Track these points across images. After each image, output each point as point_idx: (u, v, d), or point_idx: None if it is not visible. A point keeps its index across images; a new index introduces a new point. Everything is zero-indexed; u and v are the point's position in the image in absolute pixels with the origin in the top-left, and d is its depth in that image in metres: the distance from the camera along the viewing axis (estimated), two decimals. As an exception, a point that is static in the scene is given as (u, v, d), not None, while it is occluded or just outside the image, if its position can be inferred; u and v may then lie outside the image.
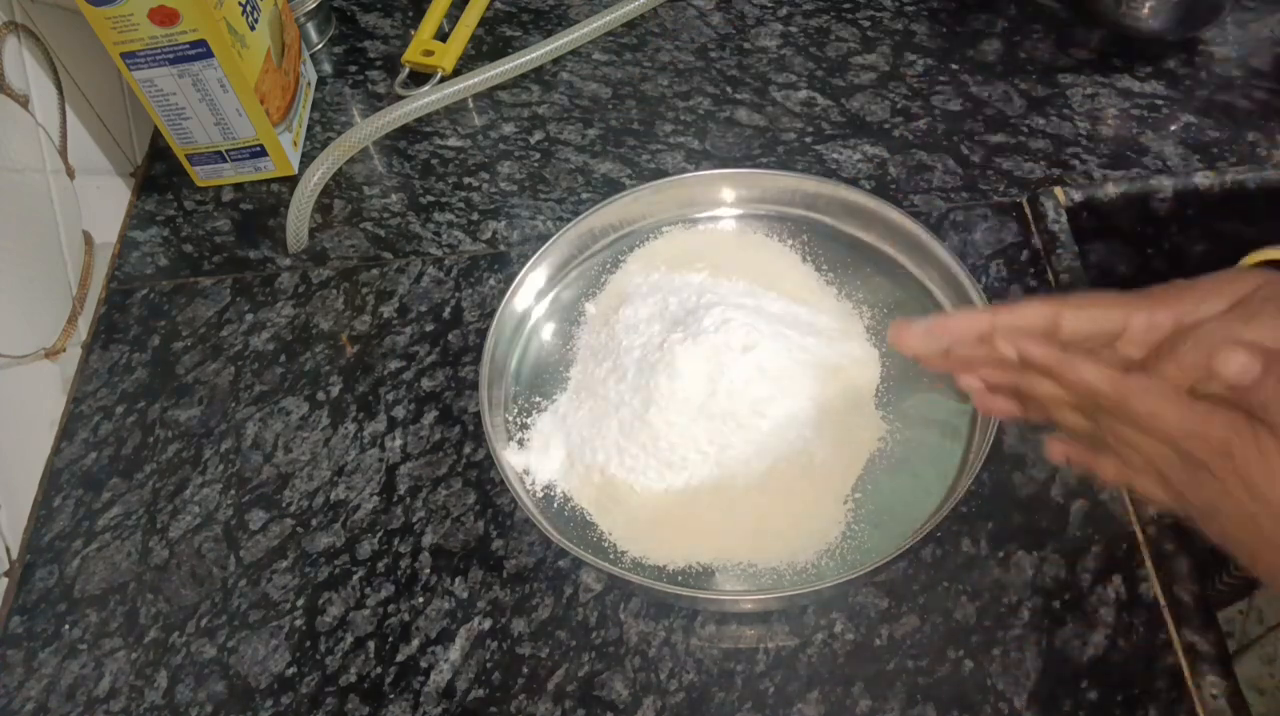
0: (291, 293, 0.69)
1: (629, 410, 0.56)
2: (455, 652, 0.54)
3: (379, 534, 0.58)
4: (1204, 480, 0.34)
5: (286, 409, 0.64)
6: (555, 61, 0.81)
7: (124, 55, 0.65)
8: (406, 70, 0.81)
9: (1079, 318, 0.39)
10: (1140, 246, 0.71)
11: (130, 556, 0.59)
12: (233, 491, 0.61)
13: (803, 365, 0.57)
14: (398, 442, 0.61)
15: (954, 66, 0.78)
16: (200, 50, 0.65)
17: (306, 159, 0.76)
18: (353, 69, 0.83)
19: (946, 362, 0.43)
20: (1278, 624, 0.60)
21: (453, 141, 0.77)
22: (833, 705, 0.50)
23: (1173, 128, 0.72)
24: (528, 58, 0.79)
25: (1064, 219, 0.67)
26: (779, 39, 0.81)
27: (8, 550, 0.58)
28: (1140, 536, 0.54)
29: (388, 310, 0.68)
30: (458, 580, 0.56)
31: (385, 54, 0.84)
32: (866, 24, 0.81)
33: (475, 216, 0.72)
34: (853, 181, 0.70)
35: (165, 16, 0.63)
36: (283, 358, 0.66)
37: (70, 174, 0.68)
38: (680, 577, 0.54)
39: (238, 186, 0.76)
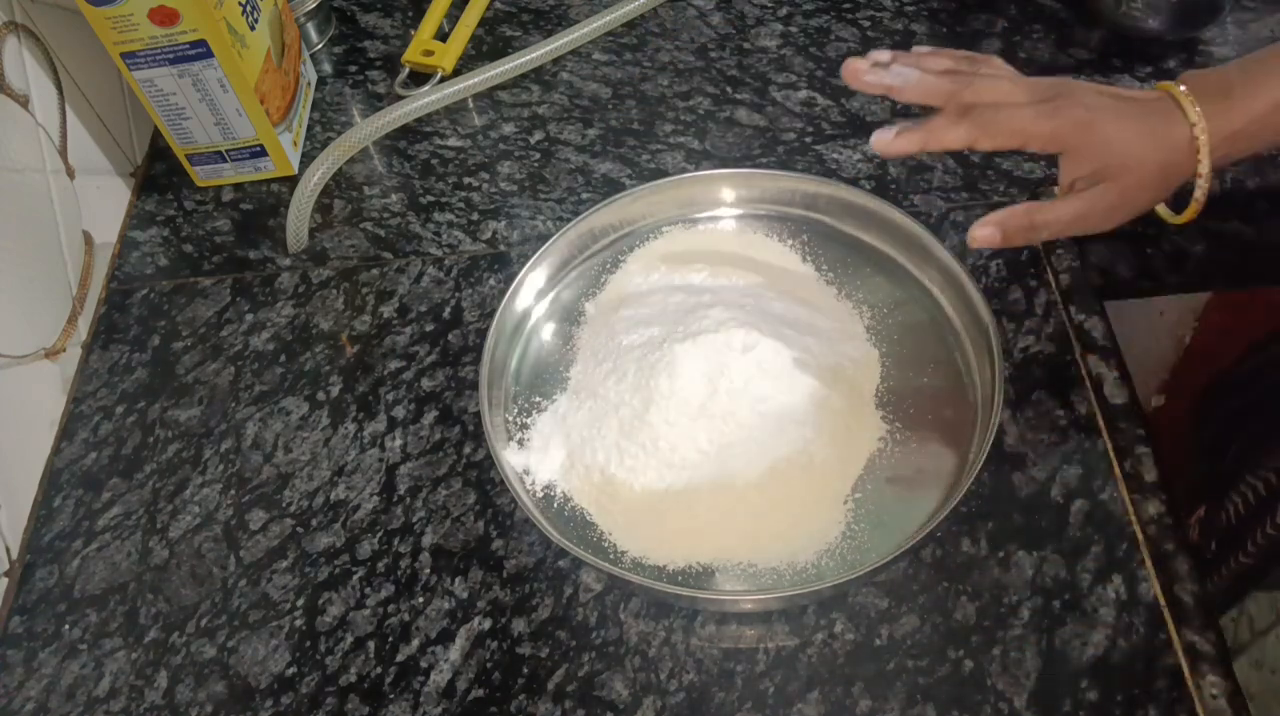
0: (291, 293, 0.69)
1: (629, 410, 0.56)
2: (455, 652, 0.54)
3: (379, 534, 0.58)
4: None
5: (286, 409, 0.64)
6: (555, 61, 0.81)
7: (124, 55, 0.65)
8: (406, 70, 0.81)
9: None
10: (1140, 246, 0.71)
11: (130, 556, 0.59)
12: (233, 491, 0.61)
13: (803, 365, 0.57)
14: (398, 442, 0.61)
15: (954, 66, 0.77)
16: (200, 50, 0.65)
17: (306, 159, 0.76)
18: (353, 69, 0.83)
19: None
20: (1269, 628, 0.60)
21: (453, 141, 0.77)
22: (833, 705, 0.50)
23: (1173, 128, 0.72)
24: (528, 58, 0.79)
25: (1064, 219, 0.67)
26: (779, 39, 0.81)
27: (8, 550, 0.58)
28: (1140, 536, 0.54)
29: (388, 310, 0.68)
30: (458, 580, 0.56)
31: (385, 54, 0.84)
32: (866, 24, 0.81)
33: (475, 216, 0.72)
34: (853, 181, 0.70)
35: (165, 16, 0.63)
36: (283, 357, 0.66)
37: (70, 174, 0.68)
38: (680, 577, 0.54)
39: (238, 186, 0.76)
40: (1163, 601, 0.52)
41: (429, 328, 0.66)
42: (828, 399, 0.57)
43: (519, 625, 0.54)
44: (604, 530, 0.55)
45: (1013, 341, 0.62)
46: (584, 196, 0.72)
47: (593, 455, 0.56)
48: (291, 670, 0.54)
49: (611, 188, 0.72)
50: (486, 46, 0.83)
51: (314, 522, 0.59)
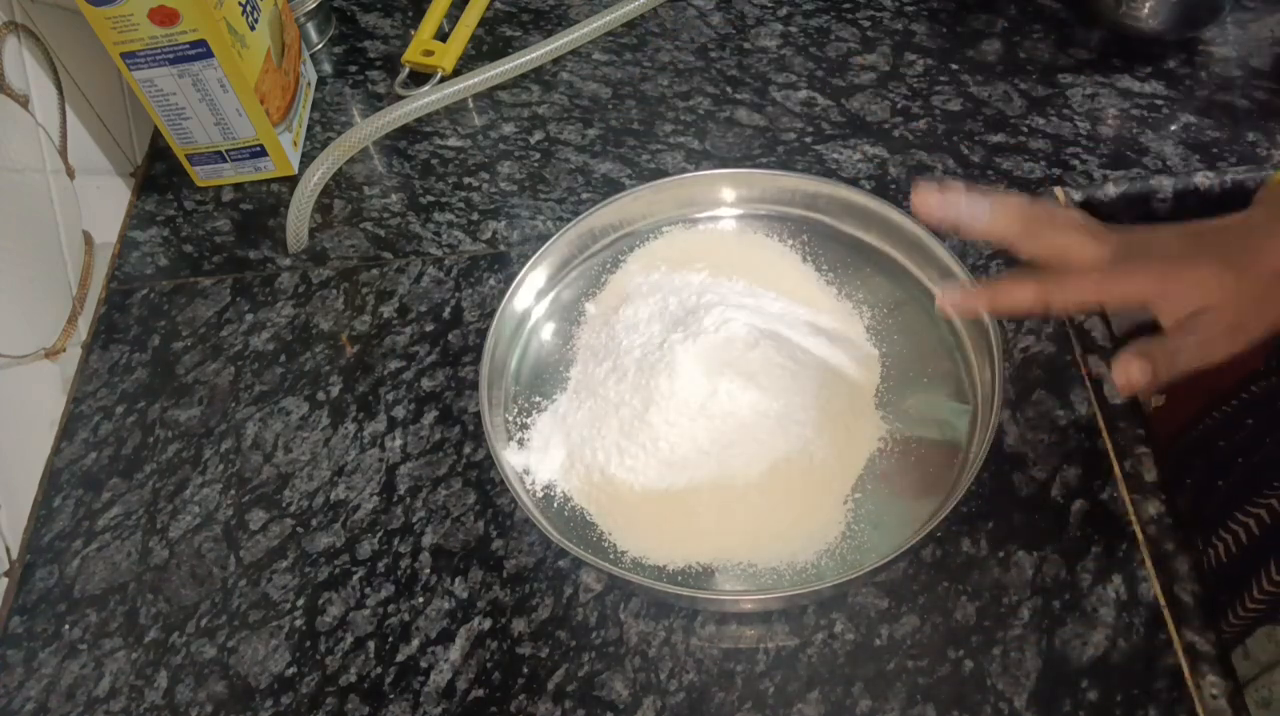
0: (291, 293, 0.69)
1: (629, 410, 0.56)
2: (455, 652, 0.54)
3: (379, 534, 0.58)
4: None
5: (286, 409, 0.64)
6: (555, 61, 0.81)
7: (124, 55, 0.65)
8: (406, 70, 0.81)
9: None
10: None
11: (130, 556, 0.59)
12: (233, 491, 0.61)
13: (803, 365, 0.57)
14: (398, 442, 0.61)
15: (954, 66, 0.78)
16: (200, 50, 0.65)
17: (306, 159, 0.76)
18: (353, 69, 0.83)
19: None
20: (1269, 666, 0.60)
21: (453, 141, 0.77)
22: (833, 705, 0.50)
23: (1173, 128, 0.72)
24: (528, 58, 0.79)
25: (1064, 219, 0.67)
26: (779, 39, 0.81)
27: (8, 550, 0.58)
28: (1140, 536, 0.54)
29: (388, 310, 0.68)
30: (458, 580, 0.56)
31: (385, 54, 0.84)
32: (866, 24, 0.81)
33: (475, 216, 0.72)
34: (853, 181, 0.70)
35: (165, 16, 0.63)
36: (283, 357, 0.66)
37: (70, 174, 0.68)
38: (680, 577, 0.54)
39: (238, 186, 0.76)
40: (1163, 601, 0.52)
41: (429, 328, 0.66)
42: (828, 399, 0.57)
43: (519, 625, 0.54)
44: (604, 530, 0.55)
45: (1013, 341, 0.62)
46: (584, 196, 0.72)
47: (593, 455, 0.56)
48: (291, 670, 0.54)
49: (611, 188, 0.72)
50: (486, 46, 0.83)
51: (314, 522, 0.59)
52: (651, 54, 0.81)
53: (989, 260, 0.65)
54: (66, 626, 0.56)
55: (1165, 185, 0.69)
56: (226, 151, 0.73)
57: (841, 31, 0.81)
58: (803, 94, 0.77)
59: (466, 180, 0.74)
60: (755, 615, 0.54)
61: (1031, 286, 0.47)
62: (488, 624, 0.54)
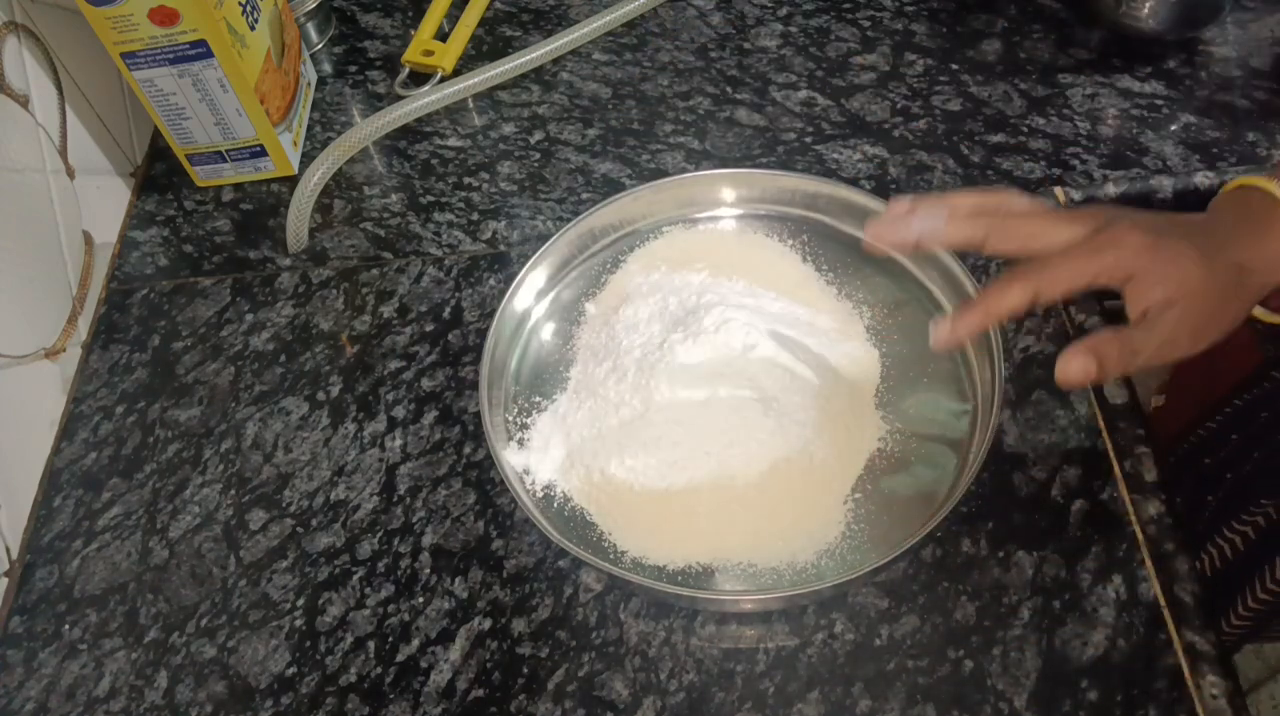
0: (291, 293, 0.69)
1: (629, 410, 0.56)
2: (455, 652, 0.54)
3: (379, 534, 0.58)
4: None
5: (286, 409, 0.64)
6: (555, 61, 0.81)
7: (124, 55, 0.65)
8: (406, 70, 0.81)
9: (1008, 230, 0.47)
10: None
11: (130, 556, 0.59)
12: (233, 491, 0.61)
13: (803, 365, 0.57)
14: (398, 442, 0.61)
15: (954, 66, 0.78)
16: (200, 50, 0.65)
17: (306, 159, 0.76)
18: (353, 69, 0.83)
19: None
20: (1258, 684, 0.60)
21: (453, 141, 0.77)
22: (833, 705, 0.50)
23: (1173, 128, 0.72)
24: (528, 58, 0.79)
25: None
26: (779, 39, 0.81)
27: (8, 550, 0.58)
28: (1140, 536, 0.54)
29: (388, 310, 0.68)
30: (458, 580, 0.56)
31: (385, 54, 0.84)
32: (866, 24, 0.81)
33: (475, 216, 0.72)
34: (853, 181, 0.70)
35: (165, 16, 0.63)
36: (283, 357, 0.66)
37: (70, 174, 0.68)
38: (680, 577, 0.54)
39: (238, 186, 0.76)
40: (1163, 601, 0.52)
41: (429, 328, 0.66)
42: (828, 399, 0.57)
43: (519, 625, 0.54)
44: (604, 530, 0.55)
45: (1013, 341, 0.62)
46: (584, 196, 0.72)
47: (593, 455, 0.56)
48: (291, 670, 0.54)
49: (611, 188, 0.72)
50: (486, 46, 0.83)
51: (314, 522, 0.59)
52: (651, 54, 0.81)
53: (988, 260, 0.65)
54: (66, 626, 0.56)
55: (1165, 185, 0.69)
56: (226, 151, 0.73)
57: (841, 31, 0.81)
58: (803, 94, 0.77)
59: (466, 180, 0.74)
60: (755, 615, 0.54)
61: (1017, 285, 0.45)
62: (488, 624, 0.54)
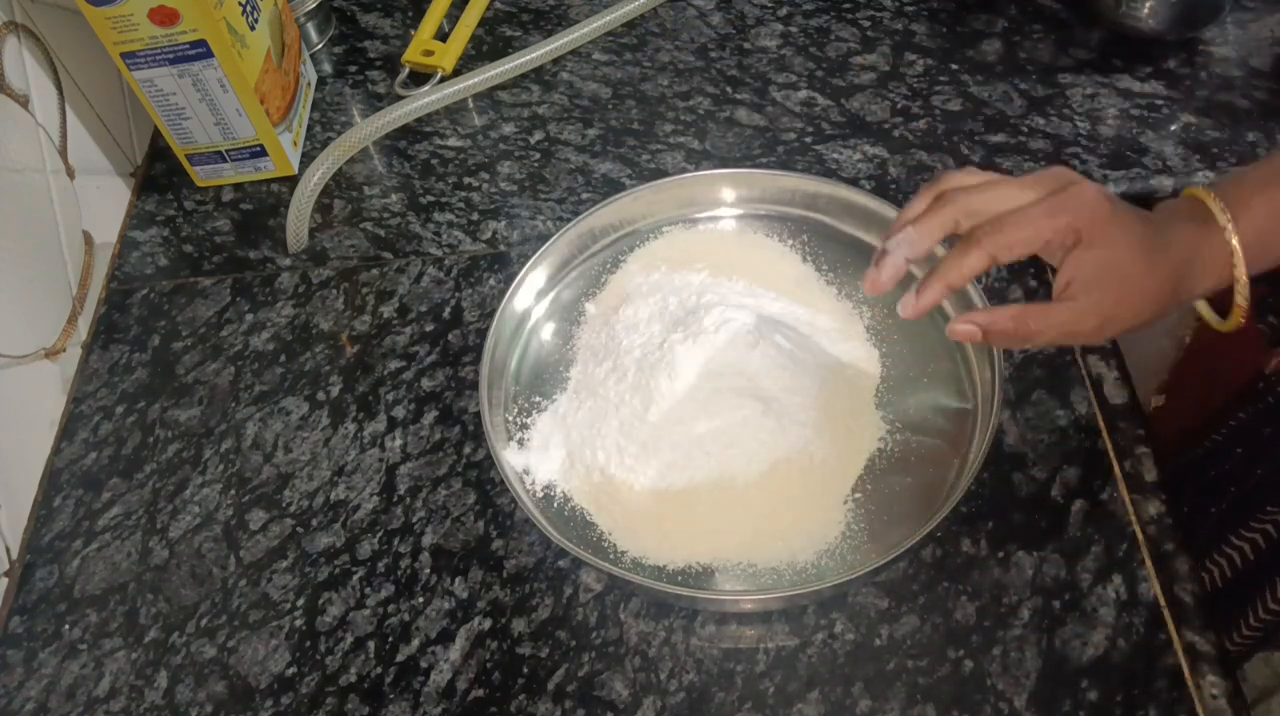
0: (291, 293, 0.69)
1: (629, 410, 0.56)
2: (455, 652, 0.54)
3: (379, 534, 0.58)
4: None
5: (286, 409, 0.64)
6: (555, 61, 0.81)
7: (124, 55, 0.65)
8: (406, 70, 0.81)
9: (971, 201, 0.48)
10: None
11: (130, 556, 0.59)
12: (233, 491, 0.61)
13: (803, 365, 0.57)
14: (398, 442, 0.61)
15: (954, 66, 0.78)
16: (200, 50, 0.65)
17: (306, 159, 0.76)
18: (353, 69, 0.83)
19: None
20: (1267, 693, 0.60)
21: (453, 141, 0.77)
22: (833, 705, 0.50)
23: (1173, 128, 0.72)
24: (528, 58, 0.79)
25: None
26: (779, 39, 0.81)
27: (8, 550, 0.58)
28: (1140, 536, 0.54)
29: (388, 310, 0.68)
30: (458, 580, 0.56)
31: (385, 54, 0.84)
32: (866, 24, 0.81)
33: (475, 216, 0.72)
34: (853, 181, 0.70)
35: (165, 16, 0.63)
36: (283, 357, 0.66)
37: (70, 174, 0.68)
38: (680, 577, 0.54)
39: (238, 186, 0.76)
40: (1163, 601, 0.52)
41: (429, 328, 0.66)
42: (828, 399, 0.57)
43: (519, 625, 0.54)
44: (604, 530, 0.55)
45: (1013, 341, 0.62)
46: (584, 196, 0.72)
47: (593, 455, 0.56)
48: (291, 670, 0.54)
49: (611, 188, 0.72)
50: (486, 46, 0.83)
51: (314, 522, 0.59)
52: (651, 54, 0.81)
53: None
54: (66, 626, 0.56)
55: (1165, 185, 0.69)
56: (226, 151, 0.73)
57: (841, 31, 0.81)
58: (803, 94, 0.77)
59: (466, 180, 0.74)
60: (755, 615, 0.54)
61: (974, 251, 0.45)
62: (488, 624, 0.54)
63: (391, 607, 0.55)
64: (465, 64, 0.81)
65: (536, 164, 0.75)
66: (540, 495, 0.57)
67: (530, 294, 0.64)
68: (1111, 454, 0.57)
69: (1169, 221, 0.47)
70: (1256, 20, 0.78)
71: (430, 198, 0.74)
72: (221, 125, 0.71)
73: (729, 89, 0.78)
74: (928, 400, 0.58)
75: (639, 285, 0.63)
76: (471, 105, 0.79)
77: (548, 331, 0.64)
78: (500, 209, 0.72)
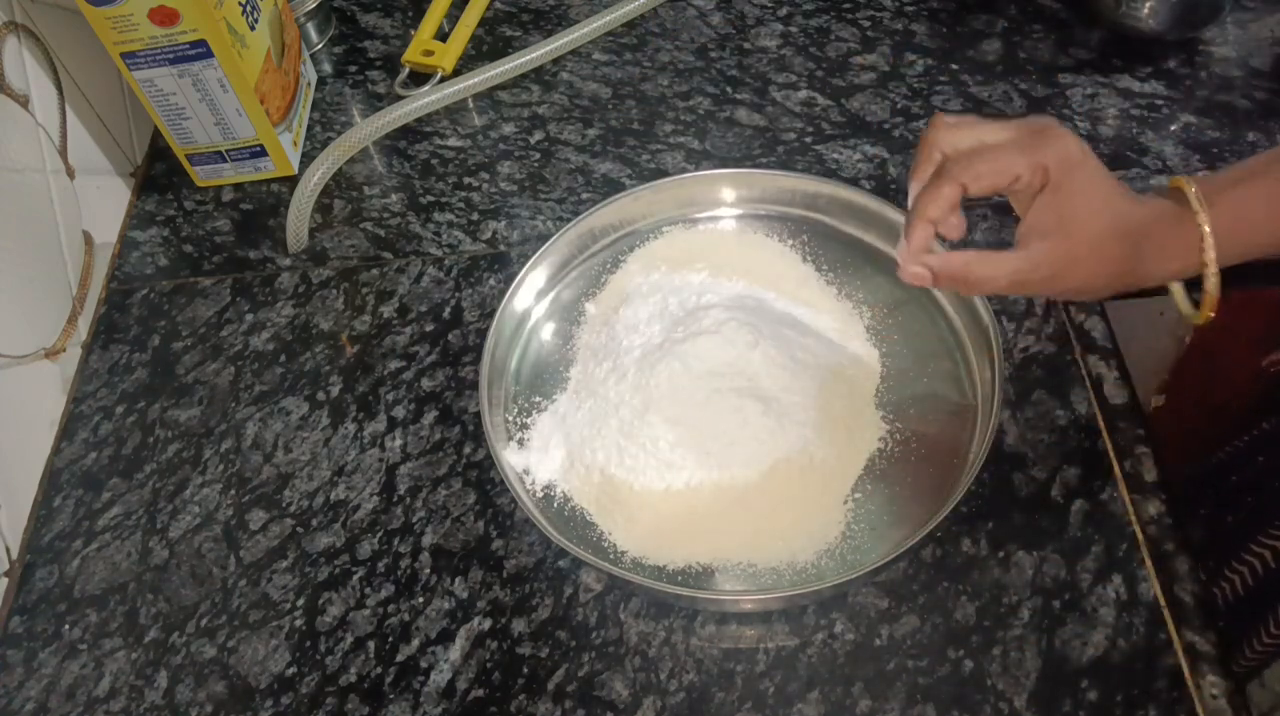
0: (291, 293, 0.69)
1: (629, 410, 0.56)
2: (455, 652, 0.54)
3: (379, 534, 0.58)
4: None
5: (286, 409, 0.64)
6: (555, 61, 0.81)
7: (124, 55, 0.65)
8: (406, 70, 0.81)
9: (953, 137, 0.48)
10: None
11: (130, 556, 0.59)
12: (233, 491, 0.61)
13: (803, 365, 0.57)
14: (398, 442, 0.61)
15: (954, 66, 0.78)
16: (200, 50, 0.65)
17: (306, 159, 0.76)
18: (353, 69, 0.83)
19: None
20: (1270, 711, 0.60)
21: (453, 141, 0.77)
22: (833, 705, 0.50)
23: (1173, 128, 0.72)
24: (528, 58, 0.79)
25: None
26: (779, 39, 0.81)
27: (8, 550, 0.58)
28: (1140, 536, 0.54)
29: (388, 310, 0.68)
30: (458, 580, 0.56)
31: (385, 54, 0.84)
32: (866, 24, 0.81)
33: (475, 216, 0.72)
34: (853, 181, 0.70)
35: (165, 16, 0.63)
36: (283, 357, 0.66)
37: (70, 174, 0.68)
38: (680, 577, 0.54)
39: (238, 186, 0.76)
40: (1163, 601, 0.52)
41: (429, 328, 0.66)
42: (828, 399, 0.57)
43: (519, 625, 0.54)
44: (604, 530, 0.55)
45: (1013, 341, 0.62)
46: (584, 196, 0.72)
47: (593, 455, 0.56)
48: (291, 670, 0.54)
49: (611, 188, 0.72)
50: (486, 46, 0.83)
51: (314, 522, 0.59)
52: (651, 54, 0.81)
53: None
54: (66, 626, 0.56)
55: (1165, 185, 0.68)
56: (226, 151, 0.73)
57: (841, 31, 0.81)
58: (803, 94, 0.77)
59: (466, 180, 0.74)
60: (755, 615, 0.54)
61: (945, 182, 0.46)
62: (488, 624, 0.54)
63: (391, 607, 0.55)
64: (465, 64, 0.82)
65: (536, 164, 0.75)
66: (540, 495, 0.57)
67: (530, 294, 0.64)
68: (1111, 454, 0.57)
69: (1146, 199, 0.48)
70: (1256, 20, 0.78)
71: (430, 198, 0.74)
72: (221, 125, 0.71)
73: (729, 89, 0.78)
74: (928, 400, 0.58)
75: (639, 285, 0.63)
76: (471, 105, 0.79)
77: (548, 331, 0.64)
78: (500, 209, 0.72)
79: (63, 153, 0.68)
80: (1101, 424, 0.58)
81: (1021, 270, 0.46)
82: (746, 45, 0.81)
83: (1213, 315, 0.49)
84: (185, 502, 0.60)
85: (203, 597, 0.57)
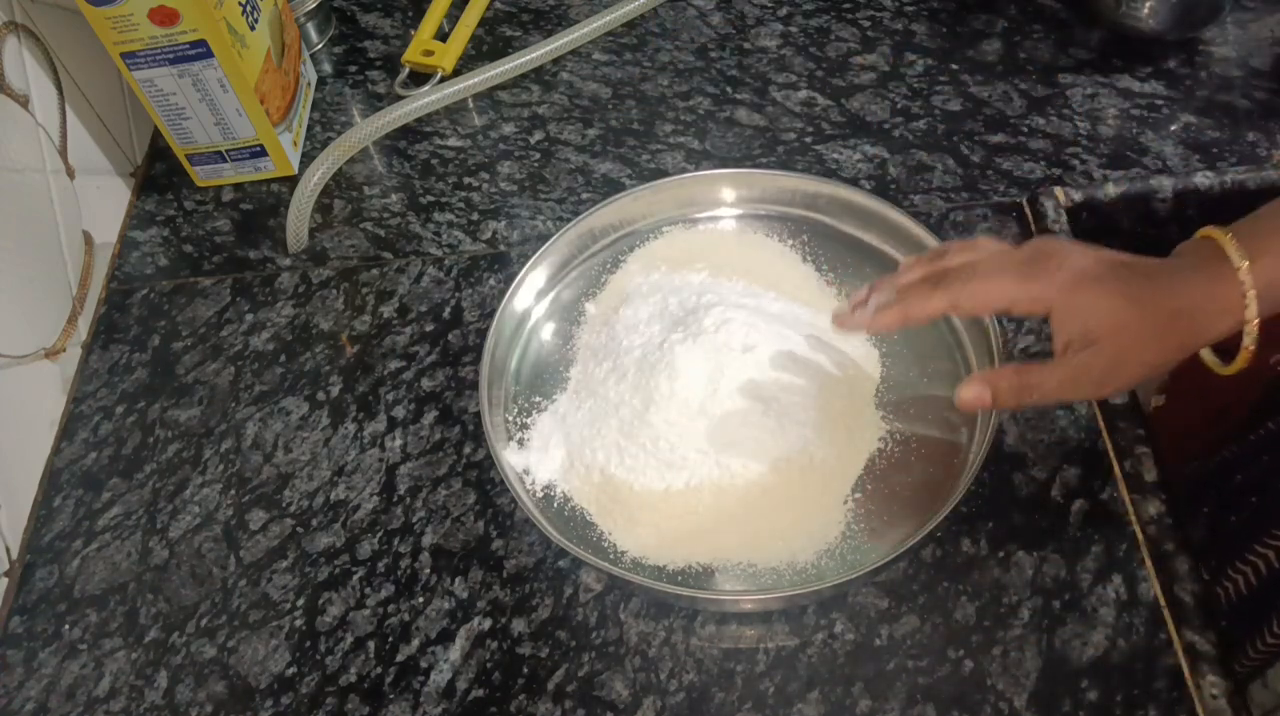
0: (291, 293, 0.69)
1: (629, 410, 0.56)
2: (455, 652, 0.54)
3: (379, 534, 0.58)
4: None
5: (286, 409, 0.64)
6: (555, 61, 0.81)
7: (124, 55, 0.65)
8: (406, 70, 0.81)
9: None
10: (1140, 247, 0.71)
11: (130, 556, 0.59)
12: (233, 491, 0.61)
13: (803, 365, 0.57)
14: (398, 442, 0.61)
15: (954, 66, 0.78)
16: (200, 50, 0.65)
17: (306, 159, 0.76)
18: (353, 69, 0.83)
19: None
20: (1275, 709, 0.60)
21: (453, 141, 0.77)
22: (833, 705, 0.50)
23: (1173, 128, 0.72)
24: (528, 58, 0.79)
25: (1064, 219, 0.67)
26: (779, 39, 0.81)
27: (8, 550, 0.58)
28: (1140, 536, 0.54)
29: (388, 310, 0.68)
30: (458, 580, 0.56)
31: (385, 54, 0.84)
32: (866, 24, 0.81)
33: (475, 216, 0.72)
34: (853, 181, 0.70)
35: (165, 16, 0.63)
36: (283, 357, 0.66)
37: (70, 174, 0.68)
38: (680, 577, 0.54)
39: (238, 186, 0.76)
40: (1163, 601, 0.52)
41: (429, 328, 0.66)
42: (828, 399, 0.57)
43: (519, 625, 0.54)
44: (604, 530, 0.55)
45: (1013, 341, 0.62)
46: (584, 196, 0.72)
47: (593, 455, 0.56)
48: (291, 670, 0.54)
49: (611, 188, 0.72)
50: (486, 46, 0.83)
51: (314, 522, 0.59)
52: (651, 54, 0.81)
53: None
54: (66, 626, 0.56)
55: (1165, 185, 0.69)
56: (226, 151, 0.73)
57: (841, 31, 0.81)
58: (803, 94, 0.77)
59: (466, 180, 0.74)
60: (755, 615, 0.54)
61: (939, 294, 0.47)
62: (488, 624, 0.54)
63: (391, 607, 0.55)
64: (465, 64, 0.81)
65: (536, 164, 0.75)
66: (540, 495, 0.57)
67: (530, 294, 0.64)
68: (1111, 454, 0.57)
69: (1177, 269, 0.46)
70: (1256, 20, 0.78)
71: (430, 198, 0.74)
72: (221, 125, 0.71)
73: (729, 89, 0.78)
74: (928, 400, 0.58)
75: (639, 285, 0.63)
76: (471, 105, 0.79)
77: (548, 331, 0.64)
78: (500, 209, 0.72)
79: (63, 153, 0.68)
80: (1101, 424, 0.58)
81: (1068, 377, 0.46)
82: (746, 45, 0.81)
83: (1247, 366, 0.47)
84: (185, 502, 0.60)
85: (203, 597, 0.57)
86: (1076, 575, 0.53)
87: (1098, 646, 0.51)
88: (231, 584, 0.57)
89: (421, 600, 0.55)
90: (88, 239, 0.70)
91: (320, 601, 0.56)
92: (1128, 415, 0.58)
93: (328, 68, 0.83)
